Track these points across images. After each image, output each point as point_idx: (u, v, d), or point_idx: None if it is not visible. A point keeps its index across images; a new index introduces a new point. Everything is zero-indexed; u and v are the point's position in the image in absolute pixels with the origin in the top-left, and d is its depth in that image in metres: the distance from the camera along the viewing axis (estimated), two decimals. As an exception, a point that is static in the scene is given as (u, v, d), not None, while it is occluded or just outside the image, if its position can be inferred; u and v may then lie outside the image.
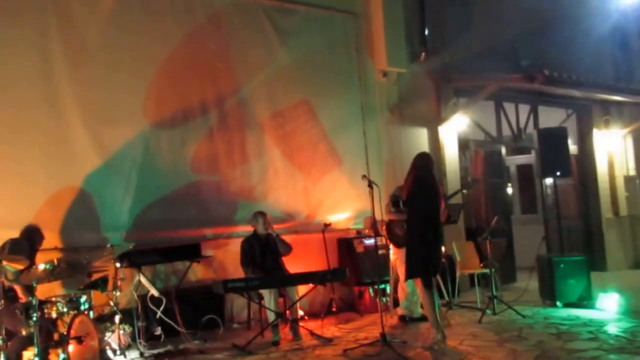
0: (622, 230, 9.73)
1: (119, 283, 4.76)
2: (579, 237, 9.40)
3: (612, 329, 5.19)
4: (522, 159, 10.13)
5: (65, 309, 4.28)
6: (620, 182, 9.74)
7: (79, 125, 5.45)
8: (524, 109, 9.15)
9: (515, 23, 8.59)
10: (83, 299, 4.44)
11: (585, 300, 6.31)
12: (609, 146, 9.72)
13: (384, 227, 6.03)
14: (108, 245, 4.76)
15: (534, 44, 8.74)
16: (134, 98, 5.75)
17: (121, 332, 4.69)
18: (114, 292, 4.72)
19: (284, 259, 5.80)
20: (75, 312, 4.30)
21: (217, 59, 6.29)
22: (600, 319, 5.61)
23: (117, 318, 4.66)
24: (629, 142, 9.99)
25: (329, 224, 6.60)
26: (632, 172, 9.96)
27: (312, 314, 6.35)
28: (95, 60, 5.58)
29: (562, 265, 6.42)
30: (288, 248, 5.74)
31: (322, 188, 6.85)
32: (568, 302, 6.33)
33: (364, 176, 5.08)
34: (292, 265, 5.88)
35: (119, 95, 5.66)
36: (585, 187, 9.60)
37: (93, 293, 4.65)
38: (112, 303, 4.71)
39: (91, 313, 4.50)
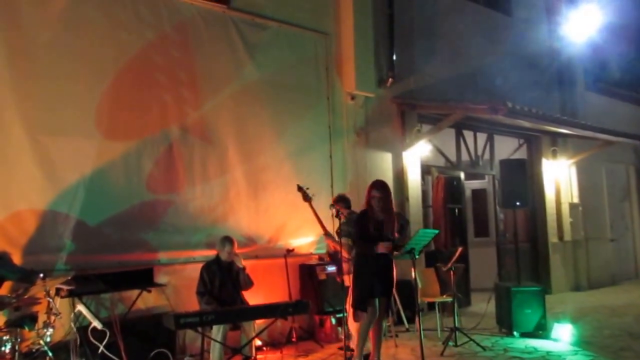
0: (565, 255, 9.55)
1: (52, 320, 3.76)
2: (528, 261, 9.06)
3: (571, 364, 4.81)
4: (476, 184, 9.75)
5: (-21, 353, 3.29)
6: (565, 209, 9.59)
7: (20, 133, 4.43)
8: (481, 137, 8.80)
9: (475, 54, 8.40)
10: (6, 337, 3.45)
11: (540, 330, 5.95)
12: (556, 175, 9.56)
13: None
14: (40, 275, 3.72)
15: (492, 74, 8.45)
16: (86, 106, 4.75)
17: (52, 374, 3.70)
18: (45, 330, 3.73)
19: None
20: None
21: (180, 71, 5.35)
22: (557, 352, 5.27)
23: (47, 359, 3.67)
24: (573, 172, 9.86)
25: (292, 249, 5.76)
26: (576, 200, 9.83)
27: (271, 344, 5.48)
28: (42, 63, 4.57)
29: (519, 295, 6.02)
30: (250, 284, 4.87)
31: (285, 210, 5.95)
32: (524, 331, 5.95)
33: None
34: (252, 292, 5.01)
35: (68, 103, 4.66)
36: (534, 213, 9.31)
37: (20, 330, 3.65)
38: (42, 342, 3.71)
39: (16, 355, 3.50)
